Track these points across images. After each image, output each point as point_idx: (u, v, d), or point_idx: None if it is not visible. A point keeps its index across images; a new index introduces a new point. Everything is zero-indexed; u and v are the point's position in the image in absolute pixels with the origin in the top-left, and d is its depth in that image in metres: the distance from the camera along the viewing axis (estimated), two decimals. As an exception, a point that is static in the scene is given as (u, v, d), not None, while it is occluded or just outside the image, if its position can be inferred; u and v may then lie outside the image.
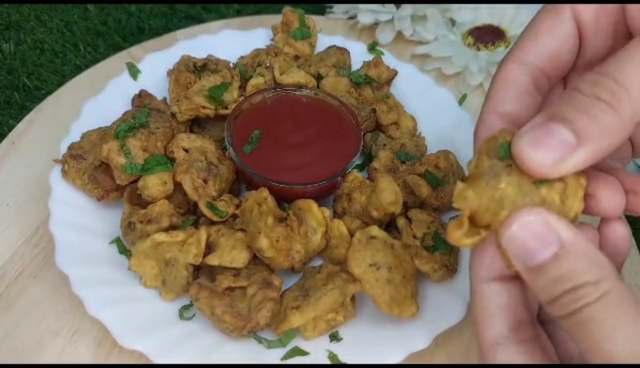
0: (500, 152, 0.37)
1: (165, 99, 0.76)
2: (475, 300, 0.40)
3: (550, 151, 0.35)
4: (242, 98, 0.72)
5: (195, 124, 0.74)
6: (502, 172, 0.37)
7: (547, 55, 0.43)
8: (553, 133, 0.35)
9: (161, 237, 0.58)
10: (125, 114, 0.67)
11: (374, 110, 0.74)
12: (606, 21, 0.42)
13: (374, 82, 0.78)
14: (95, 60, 0.90)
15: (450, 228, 0.38)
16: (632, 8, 0.40)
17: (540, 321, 0.42)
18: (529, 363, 0.38)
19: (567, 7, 0.42)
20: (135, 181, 0.63)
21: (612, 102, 0.34)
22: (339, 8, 0.98)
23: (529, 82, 0.43)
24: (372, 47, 0.85)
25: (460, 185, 0.38)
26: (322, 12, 0.99)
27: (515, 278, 0.39)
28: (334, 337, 0.58)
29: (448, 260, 0.61)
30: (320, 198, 0.66)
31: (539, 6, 0.45)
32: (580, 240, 0.35)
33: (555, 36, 0.43)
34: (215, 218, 0.62)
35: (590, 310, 0.34)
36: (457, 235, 0.38)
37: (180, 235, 0.59)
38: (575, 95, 0.35)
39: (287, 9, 0.84)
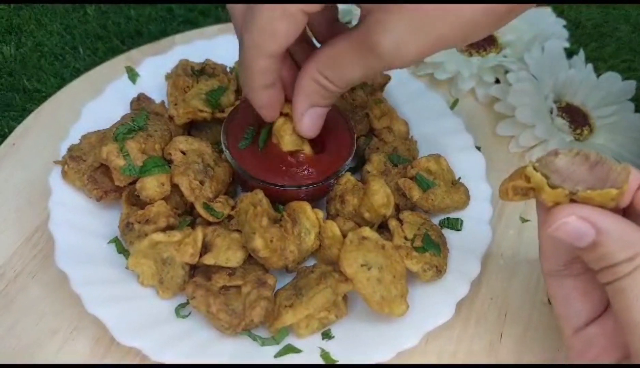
0: None
1: (163, 102, 0.77)
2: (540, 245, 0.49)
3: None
4: (239, 101, 0.74)
5: (193, 127, 0.75)
6: None
7: None
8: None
9: (158, 237, 0.59)
10: (124, 117, 0.68)
11: (367, 115, 0.76)
12: None
13: (368, 87, 0.79)
14: (95, 63, 0.91)
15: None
16: None
17: None
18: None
19: None
20: (134, 182, 0.64)
21: None
22: (334, 14, 1.00)
23: None
24: (366, 53, 0.87)
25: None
26: (317, 18, 1.00)
27: None
28: (326, 335, 0.59)
29: (437, 261, 0.62)
30: (314, 200, 0.67)
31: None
32: (616, 225, 0.41)
33: None
34: (211, 219, 0.63)
35: (622, 282, 0.41)
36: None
37: (177, 235, 0.60)
38: None
39: (283, 14, 0.85)
